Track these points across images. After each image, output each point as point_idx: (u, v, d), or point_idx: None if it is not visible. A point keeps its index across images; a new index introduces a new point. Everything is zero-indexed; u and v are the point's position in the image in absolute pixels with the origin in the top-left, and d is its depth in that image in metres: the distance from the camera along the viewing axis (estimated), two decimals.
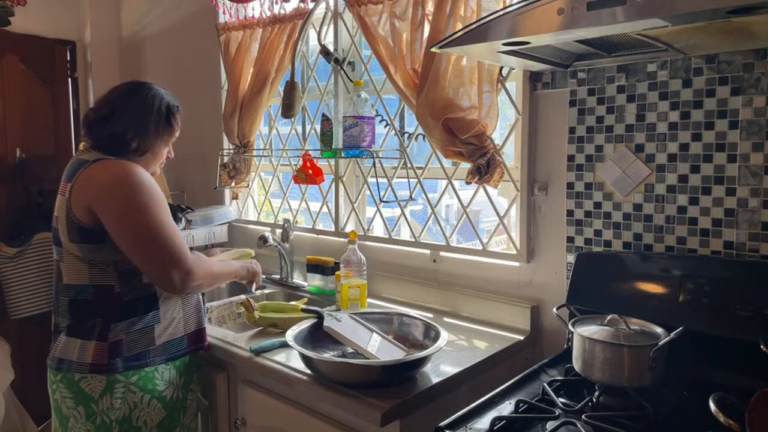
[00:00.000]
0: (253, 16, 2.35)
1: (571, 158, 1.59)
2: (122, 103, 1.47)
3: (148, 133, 1.48)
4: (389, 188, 2.02)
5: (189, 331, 1.54)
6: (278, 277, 2.29)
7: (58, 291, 1.47)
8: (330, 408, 1.33)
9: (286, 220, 2.29)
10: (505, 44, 1.24)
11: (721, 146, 1.35)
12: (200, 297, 1.60)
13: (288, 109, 2.06)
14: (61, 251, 1.43)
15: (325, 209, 2.26)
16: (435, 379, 1.35)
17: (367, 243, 2.07)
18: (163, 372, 1.48)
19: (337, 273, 1.92)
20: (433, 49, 1.36)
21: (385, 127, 2.00)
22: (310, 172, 2.08)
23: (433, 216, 1.92)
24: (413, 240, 1.98)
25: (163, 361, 1.48)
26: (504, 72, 1.67)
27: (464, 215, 1.83)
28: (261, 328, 1.70)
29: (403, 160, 1.95)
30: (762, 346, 1.13)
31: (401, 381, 1.32)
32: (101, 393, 1.39)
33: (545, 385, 1.26)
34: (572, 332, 1.26)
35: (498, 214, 1.75)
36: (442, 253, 1.90)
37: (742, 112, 1.32)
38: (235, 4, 2.37)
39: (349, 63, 2.12)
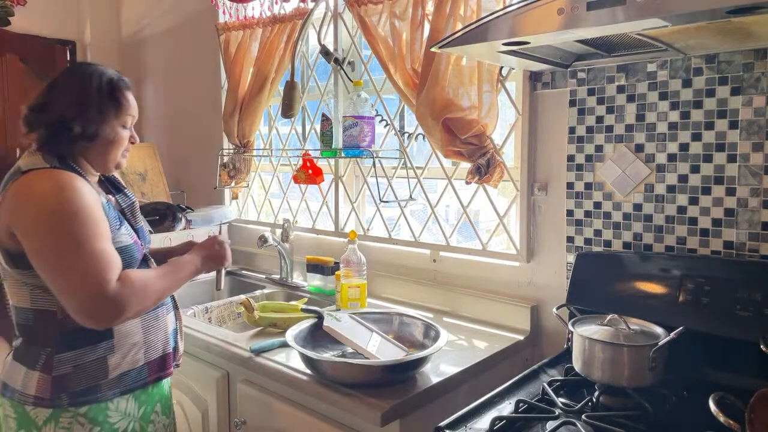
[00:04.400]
0: (253, 16, 2.35)
1: (571, 158, 1.59)
2: (58, 88, 1.29)
3: (90, 113, 1.26)
4: (389, 188, 2.02)
5: (151, 358, 1.34)
6: (278, 277, 2.29)
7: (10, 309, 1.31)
8: (330, 408, 1.33)
9: (286, 220, 2.29)
10: (505, 44, 1.24)
11: (721, 146, 1.35)
12: (173, 315, 1.42)
13: (288, 109, 2.06)
14: (1, 269, 1.27)
15: (324, 209, 2.26)
16: (435, 379, 1.35)
17: (367, 243, 2.07)
18: (118, 403, 1.29)
19: (337, 273, 1.92)
20: (433, 49, 1.36)
21: (385, 127, 2.00)
22: (310, 172, 2.08)
23: (433, 216, 1.92)
24: (413, 240, 1.98)
25: (118, 394, 1.29)
26: (504, 72, 1.67)
27: (464, 215, 1.83)
28: (261, 328, 1.70)
29: (403, 160, 1.95)
30: (762, 346, 1.13)
31: (401, 381, 1.32)
32: (45, 420, 1.23)
33: (545, 385, 1.26)
34: (572, 332, 1.26)
35: (498, 214, 1.74)
36: (442, 253, 1.90)
37: (742, 112, 1.32)
38: (235, 4, 2.38)
39: (349, 63, 2.12)
